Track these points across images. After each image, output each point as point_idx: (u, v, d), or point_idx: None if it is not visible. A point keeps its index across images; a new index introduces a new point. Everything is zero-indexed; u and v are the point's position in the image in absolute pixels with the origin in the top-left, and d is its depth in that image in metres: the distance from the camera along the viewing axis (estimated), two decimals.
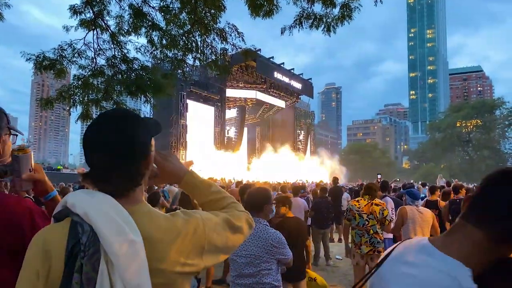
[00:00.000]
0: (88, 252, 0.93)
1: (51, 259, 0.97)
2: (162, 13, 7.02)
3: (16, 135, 1.54)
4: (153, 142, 1.17)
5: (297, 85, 42.18)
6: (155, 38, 7.31)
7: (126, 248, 0.94)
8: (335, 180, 12.80)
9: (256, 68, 35.33)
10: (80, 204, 1.00)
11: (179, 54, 7.47)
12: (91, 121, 7.56)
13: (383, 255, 1.16)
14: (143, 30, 7.18)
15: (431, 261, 0.97)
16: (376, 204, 5.31)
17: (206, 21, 6.83)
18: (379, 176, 22.37)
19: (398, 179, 27.23)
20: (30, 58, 6.65)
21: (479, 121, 66.07)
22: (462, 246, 0.96)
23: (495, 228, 0.93)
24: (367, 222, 5.24)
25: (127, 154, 1.07)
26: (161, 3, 7.01)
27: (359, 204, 5.39)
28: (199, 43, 7.26)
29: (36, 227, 1.30)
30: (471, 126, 67.81)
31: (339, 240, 11.30)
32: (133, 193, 1.10)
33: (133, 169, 1.09)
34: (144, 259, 0.96)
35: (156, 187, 8.60)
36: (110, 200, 1.02)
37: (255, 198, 3.27)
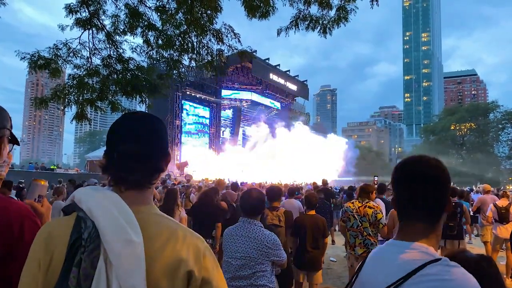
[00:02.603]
0: (88, 248, 0.95)
1: (53, 250, 0.99)
2: (158, 13, 7.00)
3: (13, 144, 1.52)
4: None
5: (293, 87, 42.30)
6: (151, 38, 7.28)
7: (125, 247, 0.95)
8: (325, 182, 12.91)
9: (252, 69, 35.36)
10: (86, 200, 1.03)
11: (175, 54, 7.45)
12: (86, 121, 7.50)
13: (359, 265, 1.35)
14: (139, 30, 7.15)
15: (400, 249, 1.18)
16: (370, 207, 5.32)
17: (202, 22, 6.81)
18: (375, 178, 22.40)
19: None
20: (25, 57, 6.61)
21: (473, 124, 66.41)
22: (417, 235, 1.20)
23: (427, 219, 1.21)
24: (360, 224, 5.26)
25: (157, 147, 1.15)
26: (157, 3, 6.99)
27: (353, 206, 5.40)
28: (195, 43, 7.24)
29: (24, 239, 1.23)
30: (465, 129, 68.15)
31: (333, 242, 11.32)
32: (146, 192, 1.13)
33: (157, 163, 1.16)
34: (142, 260, 0.97)
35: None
36: (116, 199, 1.04)
37: (252, 204, 3.24)
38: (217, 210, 6.46)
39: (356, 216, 5.30)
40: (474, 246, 10.13)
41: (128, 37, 7.35)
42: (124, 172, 1.09)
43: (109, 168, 1.11)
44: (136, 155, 1.10)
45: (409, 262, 1.11)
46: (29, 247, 1.04)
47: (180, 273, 1.03)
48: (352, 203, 5.51)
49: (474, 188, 22.85)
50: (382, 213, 5.36)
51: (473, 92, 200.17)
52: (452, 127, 67.97)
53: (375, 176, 24.91)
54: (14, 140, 1.50)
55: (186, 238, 1.08)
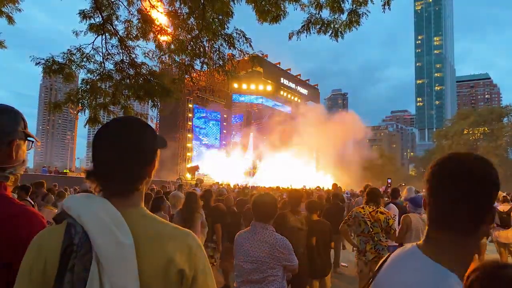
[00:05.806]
0: (80, 253, 0.97)
1: (46, 258, 1.01)
2: (171, 18, 7.06)
3: (32, 142, 1.53)
4: (158, 152, 1.22)
5: (304, 91, 42.29)
6: (163, 43, 7.34)
7: (114, 250, 0.97)
8: (335, 186, 12.64)
9: (263, 73, 35.42)
10: (75, 207, 1.04)
11: (186, 59, 7.50)
12: (99, 125, 7.60)
13: (378, 265, 1.22)
14: (151, 35, 7.22)
15: (420, 267, 1.02)
16: (381, 213, 5.27)
17: (214, 27, 6.85)
18: (389, 181, 22.14)
19: (403, 184, 26.85)
20: (39, 62, 6.70)
21: (486, 128, 65.59)
22: (447, 252, 1.01)
23: (463, 228, 1.00)
24: (371, 230, 5.20)
25: (134, 155, 1.12)
26: (170, 8, 7.06)
27: (364, 211, 5.35)
28: (206, 48, 7.28)
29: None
30: (479, 134, 67.37)
31: (343, 247, 11.23)
32: (132, 196, 1.13)
33: (137, 171, 1.14)
34: (133, 261, 0.99)
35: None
36: (104, 203, 1.06)
37: (265, 209, 3.24)
38: (214, 213, 6.46)
39: (367, 221, 5.25)
40: (489, 252, 9.94)
41: (141, 42, 7.43)
42: (103, 180, 1.12)
43: (91, 175, 1.12)
44: (112, 164, 1.11)
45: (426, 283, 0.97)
46: None
47: (172, 272, 1.04)
48: (363, 208, 5.45)
49: None
50: (393, 219, 5.31)
51: (486, 96, 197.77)
52: (465, 132, 67.21)
53: (388, 178, 24.43)
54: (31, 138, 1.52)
55: (175, 237, 1.10)
